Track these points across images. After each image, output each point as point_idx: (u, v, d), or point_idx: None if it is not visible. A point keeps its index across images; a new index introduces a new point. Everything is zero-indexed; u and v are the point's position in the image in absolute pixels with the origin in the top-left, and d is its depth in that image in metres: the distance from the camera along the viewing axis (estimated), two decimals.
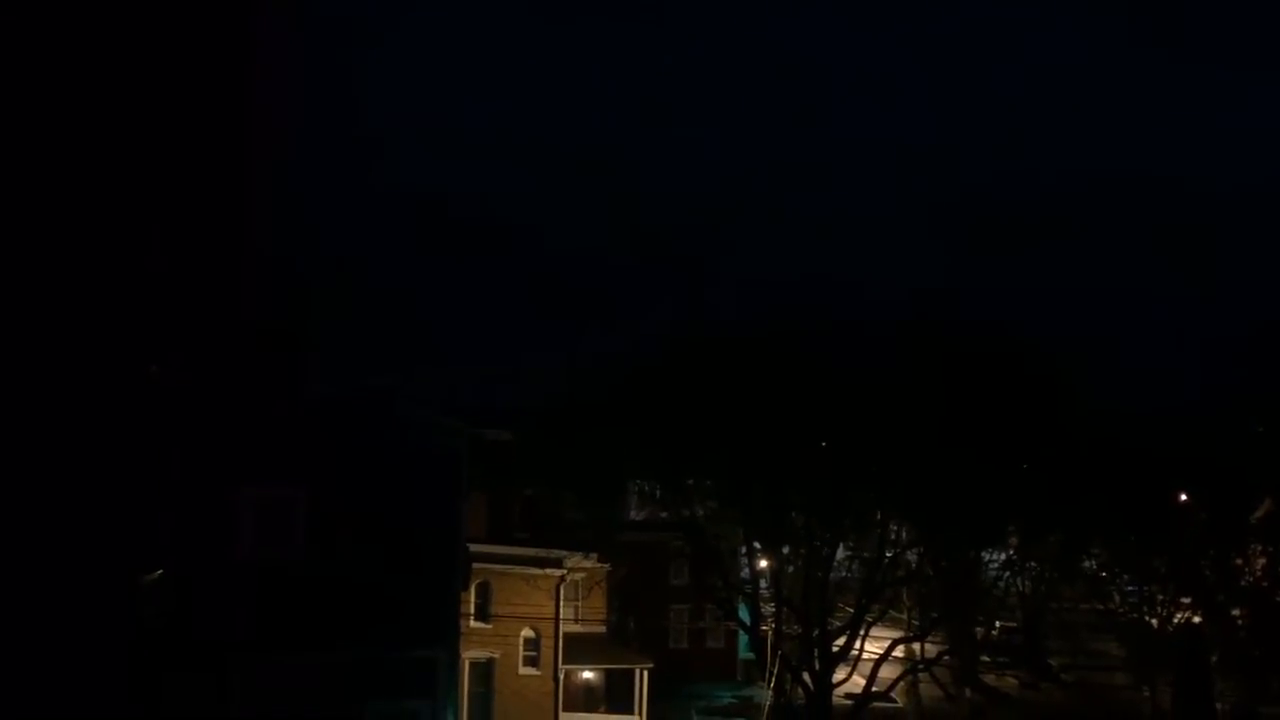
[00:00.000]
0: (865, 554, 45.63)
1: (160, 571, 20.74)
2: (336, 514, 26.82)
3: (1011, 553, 49.30)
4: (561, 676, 45.59)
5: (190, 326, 20.88)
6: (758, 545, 46.85)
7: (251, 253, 21.31)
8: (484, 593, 44.25)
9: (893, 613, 50.97)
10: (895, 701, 49.83)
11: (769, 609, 47.27)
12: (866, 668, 43.97)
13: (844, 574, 47.46)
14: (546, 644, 45.21)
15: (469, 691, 42.54)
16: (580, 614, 47.84)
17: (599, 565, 48.34)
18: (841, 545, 45.26)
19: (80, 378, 17.40)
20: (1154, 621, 47.73)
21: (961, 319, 41.94)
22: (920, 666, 46.85)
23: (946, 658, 47.92)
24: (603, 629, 49.40)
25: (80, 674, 16.88)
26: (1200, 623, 47.83)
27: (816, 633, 42.54)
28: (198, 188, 20.56)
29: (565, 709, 45.64)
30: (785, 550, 46.43)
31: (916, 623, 51.15)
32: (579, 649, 46.81)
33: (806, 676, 42.30)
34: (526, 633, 44.99)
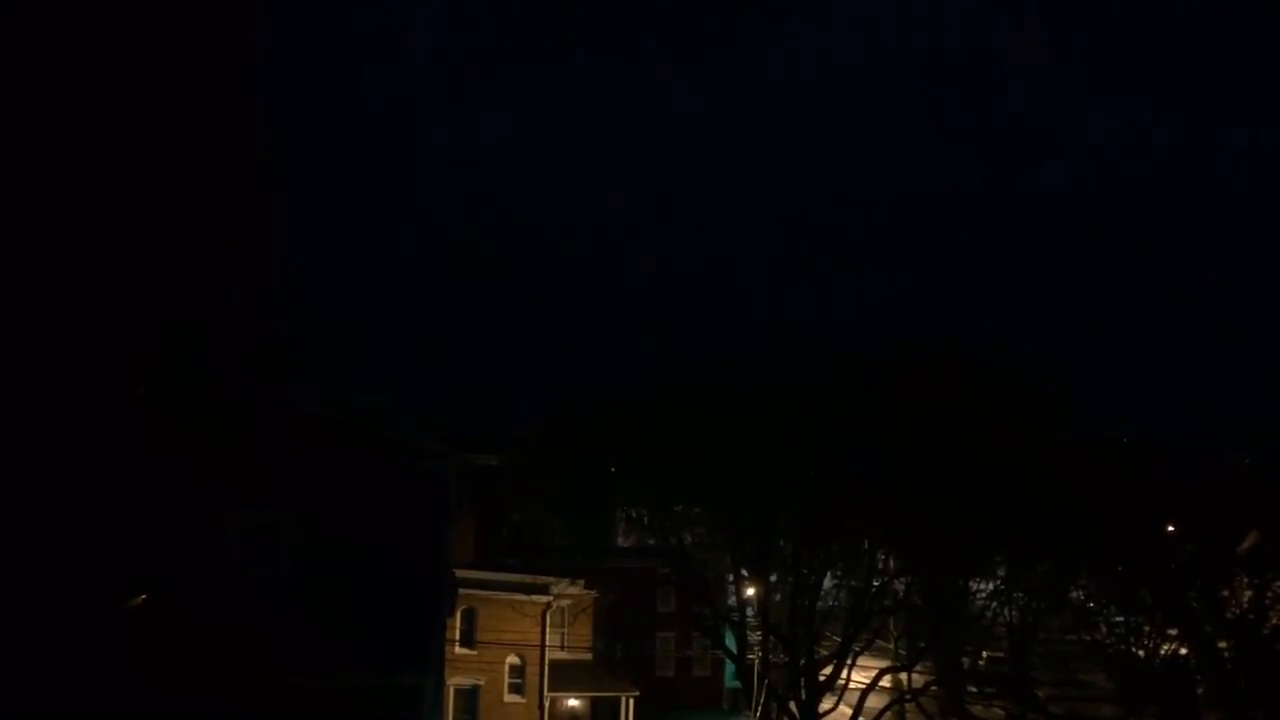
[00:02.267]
0: (853, 582, 45.56)
1: (144, 596, 20.56)
2: (323, 536, 26.65)
3: (999, 583, 49.26)
4: (547, 704, 45.32)
5: (179, 345, 20.78)
6: (745, 573, 46.73)
7: (243, 271, 21.24)
8: (470, 619, 44.03)
9: (880, 642, 50.82)
10: None
11: (756, 637, 47.11)
12: (853, 697, 43.76)
13: (831, 602, 47.35)
14: (532, 671, 44.98)
15: (454, 719, 42.26)
16: (566, 641, 47.64)
17: (586, 592, 48.18)
18: (829, 573, 45.17)
19: (66, 396, 17.28)
20: (1141, 653, 47.66)
21: (952, 343, 42.09)
22: (907, 696, 46.67)
23: (934, 688, 47.77)
24: (589, 656, 49.18)
25: (64, 695, 16.70)
26: (1187, 654, 47.79)
27: (803, 661, 42.39)
28: (187, 208, 20.50)
29: None
30: (773, 578, 46.31)
31: (904, 652, 51.04)
32: (565, 676, 46.57)
33: (793, 706, 42.11)
34: (512, 659, 44.75)
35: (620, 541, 53.85)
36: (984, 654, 57.39)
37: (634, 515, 49.00)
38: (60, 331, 17.32)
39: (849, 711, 43.74)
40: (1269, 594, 44.68)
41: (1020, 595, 50.70)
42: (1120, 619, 49.33)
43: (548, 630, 45.24)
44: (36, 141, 17.29)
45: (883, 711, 44.87)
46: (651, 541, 49.14)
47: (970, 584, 49.50)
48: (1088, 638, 50.59)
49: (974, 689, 54.19)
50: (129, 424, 17.60)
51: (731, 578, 48.25)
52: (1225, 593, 46.14)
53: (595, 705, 48.60)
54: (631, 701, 47.75)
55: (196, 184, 20.62)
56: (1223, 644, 46.67)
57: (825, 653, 44.29)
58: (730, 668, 53.77)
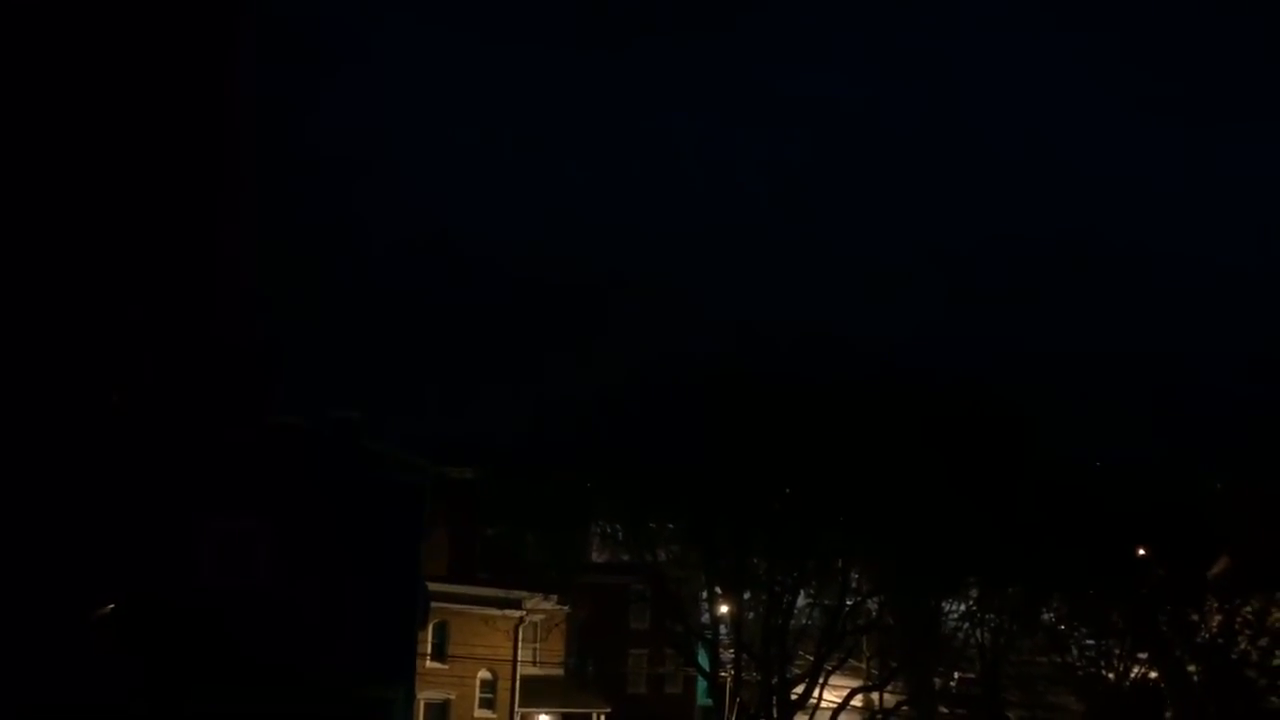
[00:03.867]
0: (826, 602, 45.60)
1: (111, 606, 20.38)
2: (296, 545, 26.52)
3: (971, 604, 49.40)
4: (518, 719, 45.11)
5: (155, 354, 20.68)
6: (719, 590, 46.68)
7: (220, 282, 21.15)
8: (442, 632, 43.84)
9: (852, 661, 50.85)
10: None
11: (728, 655, 47.06)
12: (825, 716, 43.79)
13: (804, 621, 47.37)
14: (503, 686, 44.80)
15: None
16: (538, 656, 47.47)
17: (559, 607, 48.03)
18: (802, 592, 45.21)
19: (38, 400, 17.14)
20: (1111, 675, 47.85)
21: (932, 370, 42.28)
22: (879, 716, 46.72)
23: (905, 708, 47.83)
24: (561, 672, 49.02)
25: (32, 701, 16.53)
26: (1156, 678, 48.03)
27: (776, 680, 42.37)
28: (166, 213, 20.42)
29: None
30: (746, 596, 46.29)
31: (876, 672, 51.07)
32: (536, 691, 46.40)
33: None
34: (483, 674, 44.56)
35: (594, 557, 53.73)
36: (955, 675, 57.50)
37: (608, 531, 48.90)
38: (34, 335, 17.20)
39: None
40: (1238, 618, 44.97)
41: (992, 617, 50.86)
42: (1091, 642, 49.53)
43: (520, 645, 45.09)
44: (14, 143, 17.20)
45: None
46: (626, 557, 49.05)
47: (942, 605, 49.63)
48: (1059, 660, 50.76)
49: (945, 709, 54.32)
50: (101, 428, 17.49)
51: (705, 595, 48.18)
52: (1195, 617, 46.41)
53: None
54: (603, 718, 47.61)
55: (175, 189, 20.56)
56: (1192, 668, 46.92)
57: (798, 671, 44.29)
58: (702, 685, 53.64)
